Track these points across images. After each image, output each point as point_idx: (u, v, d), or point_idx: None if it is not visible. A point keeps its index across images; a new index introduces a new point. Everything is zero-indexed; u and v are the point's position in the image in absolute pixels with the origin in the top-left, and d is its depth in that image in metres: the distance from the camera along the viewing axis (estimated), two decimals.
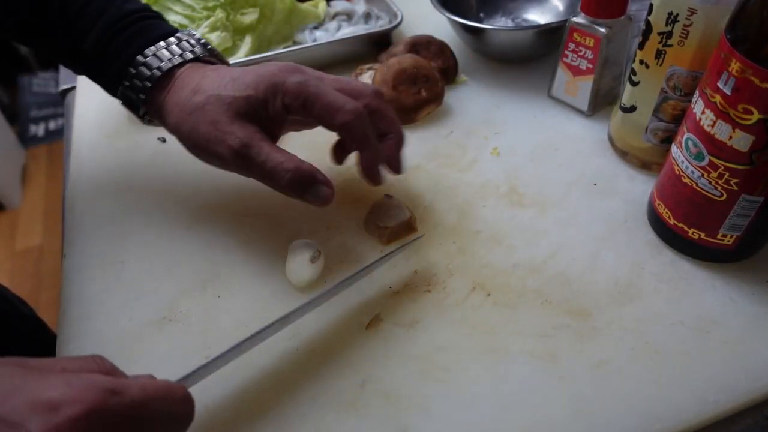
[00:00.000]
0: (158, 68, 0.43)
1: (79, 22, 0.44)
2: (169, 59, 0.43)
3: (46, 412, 0.22)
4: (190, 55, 0.44)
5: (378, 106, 0.42)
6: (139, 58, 0.43)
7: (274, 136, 0.42)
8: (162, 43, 0.43)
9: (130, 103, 0.45)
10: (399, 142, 0.44)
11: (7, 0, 0.44)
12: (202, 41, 0.45)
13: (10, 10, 0.44)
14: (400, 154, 0.45)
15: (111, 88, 0.46)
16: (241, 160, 0.40)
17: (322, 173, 0.41)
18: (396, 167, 0.45)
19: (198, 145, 0.42)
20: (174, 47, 0.44)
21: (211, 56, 0.46)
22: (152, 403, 0.27)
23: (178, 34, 0.45)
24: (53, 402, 0.23)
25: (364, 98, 0.42)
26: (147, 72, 0.43)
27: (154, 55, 0.43)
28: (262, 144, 0.40)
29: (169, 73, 0.43)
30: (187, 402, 0.30)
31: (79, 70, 0.48)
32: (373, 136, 0.42)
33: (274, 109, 0.41)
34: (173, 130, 0.43)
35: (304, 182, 0.40)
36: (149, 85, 0.43)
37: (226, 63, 0.47)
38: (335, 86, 0.41)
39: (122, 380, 0.27)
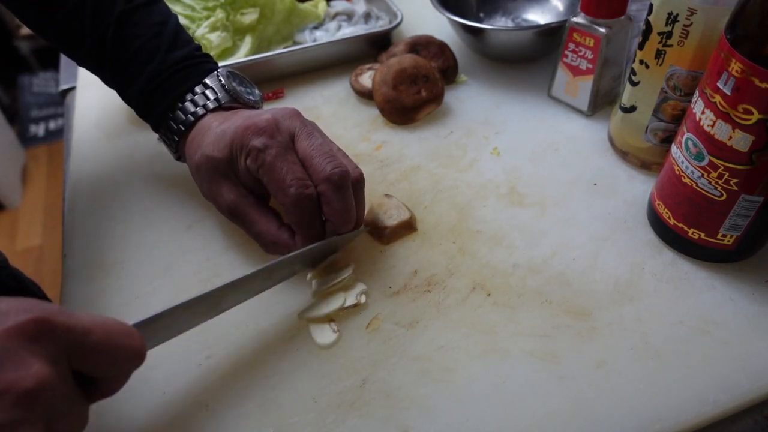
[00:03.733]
0: (182, 123, 0.46)
1: (128, 69, 0.47)
2: (192, 113, 0.46)
3: None
4: (211, 105, 0.46)
5: (326, 192, 0.40)
6: (169, 114, 0.47)
7: (258, 192, 0.43)
8: (188, 95, 0.46)
9: (169, 149, 0.50)
10: (337, 231, 0.42)
11: (68, 43, 0.48)
12: (226, 87, 0.46)
13: (74, 50, 0.49)
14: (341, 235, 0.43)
15: (155, 130, 0.49)
16: (231, 219, 0.44)
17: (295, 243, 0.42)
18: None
19: (205, 197, 0.46)
20: (198, 97, 0.46)
21: (233, 102, 0.47)
22: (96, 329, 0.27)
23: (206, 80, 0.46)
24: (2, 311, 0.24)
25: (317, 181, 0.40)
26: (174, 126, 0.47)
27: (180, 110, 0.46)
28: (246, 209, 0.43)
29: (192, 125, 0.46)
30: (131, 336, 0.29)
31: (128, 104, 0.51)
32: (307, 223, 0.41)
33: (241, 169, 0.42)
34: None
35: (279, 251, 0.43)
36: (176, 138, 0.47)
37: (251, 106, 0.48)
38: (305, 153, 0.41)
39: (69, 310, 0.28)
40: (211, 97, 0.46)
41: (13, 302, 0.25)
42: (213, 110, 0.46)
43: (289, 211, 0.41)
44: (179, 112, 0.46)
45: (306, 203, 0.40)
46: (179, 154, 0.49)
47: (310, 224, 0.41)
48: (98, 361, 0.28)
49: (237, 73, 0.49)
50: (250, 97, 0.48)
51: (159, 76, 0.46)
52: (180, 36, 0.48)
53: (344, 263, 0.44)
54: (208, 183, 0.44)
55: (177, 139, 0.47)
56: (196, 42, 0.49)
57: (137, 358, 0.30)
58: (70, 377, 0.27)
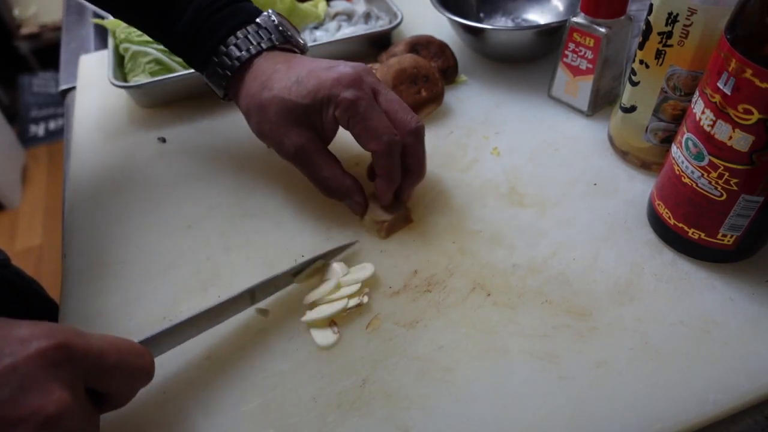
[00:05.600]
0: (237, 59, 0.46)
1: (172, 7, 0.47)
2: (247, 49, 0.46)
3: (18, 344, 0.25)
4: (266, 44, 0.47)
5: (412, 144, 0.44)
6: (222, 48, 0.46)
7: (327, 140, 0.46)
8: (240, 33, 0.46)
9: (215, 83, 0.49)
10: (416, 180, 0.47)
11: None
12: (280, 28, 0.47)
13: (108, 3, 0.49)
14: (412, 189, 0.47)
15: (200, 69, 0.49)
16: (294, 162, 0.46)
17: (359, 192, 0.46)
18: (402, 199, 0.48)
19: (263, 135, 0.47)
20: (251, 36, 0.46)
21: (287, 43, 0.48)
22: (111, 351, 0.29)
23: (258, 19, 0.47)
24: (23, 337, 0.25)
25: (403, 133, 0.44)
26: (228, 62, 0.46)
27: (234, 44, 0.46)
28: (314, 153, 0.45)
29: (247, 62, 0.46)
30: (143, 357, 0.31)
31: (171, 50, 0.50)
32: (395, 169, 0.44)
33: (326, 119, 0.44)
34: (244, 115, 0.48)
35: (341, 196, 0.46)
36: (229, 74, 0.47)
37: (301, 49, 0.49)
38: (388, 107, 0.44)
39: (84, 330, 0.29)
40: (265, 36, 0.47)
41: (33, 328, 0.26)
42: (269, 49, 0.47)
43: (379, 158, 0.44)
44: (233, 47, 0.46)
45: (396, 150, 0.43)
46: (227, 92, 0.49)
47: (396, 170, 0.44)
48: (112, 381, 0.29)
49: (283, 16, 0.50)
50: (301, 40, 0.50)
51: (205, 11, 0.46)
52: None
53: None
54: (274, 124, 0.45)
55: (230, 74, 0.47)
56: None
57: (147, 377, 0.32)
58: (86, 397, 0.28)
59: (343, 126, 0.44)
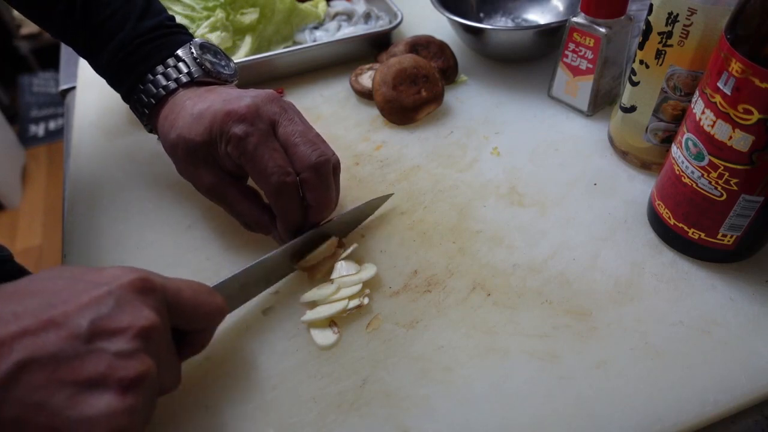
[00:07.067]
0: (153, 96, 0.45)
1: (98, 37, 0.46)
2: (164, 86, 0.45)
3: (111, 278, 0.29)
4: (185, 79, 0.45)
5: (311, 179, 0.41)
6: (139, 85, 0.46)
7: (237, 173, 0.44)
8: (160, 68, 0.45)
9: (139, 118, 0.49)
10: (318, 217, 0.43)
11: (38, 10, 0.48)
12: (198, 60, 0.45)
13: (44, 16, 0.48)
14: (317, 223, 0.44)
15: (126, 101, 0.49)
16: (210, 199, 0.45)
17: (274, 225, 0.44)
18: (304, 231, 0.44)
19: (181, 175, 0.46)
20: (171, 70, 0.45)
21: (207, 76, 0.46)
22: (186, 288, 0.33)
23: (179, 51, 0.46)
24: (114, 273, 0.30)
25: (301, 168, 0.41)
26: (144, 99, 0.46)
27: (151, 82, 0.45)
28: (226, 191, 0.44)
29: (163, 99, 0.45)
30: (215, 296, 0.35)
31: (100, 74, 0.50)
32: (288, 209, 0.42)
33: (222, 154, 0.42)
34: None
35: (260, 230, 0.45)
36: (147, 111, 0.46)
37: (225, 80, 0.47)
38: (286, 141, 0.41)
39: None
40: (184, 70, 0.45)
41: (120, 267, 0.31)
42: (186, 84, 0.45)
43: (270, 198, 0.42)
44: (150, 85, 0.45)
45: (287, 191, 0.41)
46: (151, 127, 0.48)
47: (290, 210, 0.42)
48: (189, 315, 0.33)
49: (211, 45, 0.48)
50: (225, 71, 0.47)
51: (129, 45, 0.45)
52: (152, 5, 0.47)
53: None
54: (184, 163, 0.44)
55: (147, 112, 0.46)
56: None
57: (220, 314, 0.35)
58: (170, 329, 0.32)
59: (236, 162, 0.41)
